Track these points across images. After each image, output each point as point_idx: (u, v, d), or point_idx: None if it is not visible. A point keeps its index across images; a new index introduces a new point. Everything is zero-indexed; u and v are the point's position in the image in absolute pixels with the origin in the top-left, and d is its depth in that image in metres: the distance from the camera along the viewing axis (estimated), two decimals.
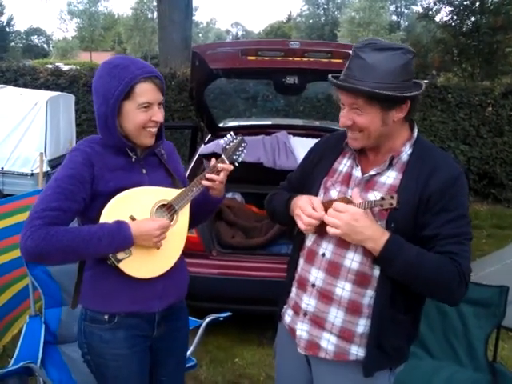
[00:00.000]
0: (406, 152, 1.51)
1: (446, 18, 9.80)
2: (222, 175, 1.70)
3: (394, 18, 40.22)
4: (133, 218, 1.58)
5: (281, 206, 1.70)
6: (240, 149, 1.78)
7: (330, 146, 1.69)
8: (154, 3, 21.94)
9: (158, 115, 1.60)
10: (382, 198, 1.37)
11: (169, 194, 1.68)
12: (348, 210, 1.38)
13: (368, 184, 1.51)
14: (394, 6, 40.04)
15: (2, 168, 5.89)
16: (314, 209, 1.49)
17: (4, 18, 40.07)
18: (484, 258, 4.75)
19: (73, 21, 45.74)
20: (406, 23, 38.69)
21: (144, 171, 1.68)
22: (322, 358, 1.55)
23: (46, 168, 5.68)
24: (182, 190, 1.69)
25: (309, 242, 1.62)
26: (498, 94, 7.46)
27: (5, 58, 24.23)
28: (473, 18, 9.37)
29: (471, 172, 7.46)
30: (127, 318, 1.65)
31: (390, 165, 1.50)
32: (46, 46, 51.80)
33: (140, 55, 33.51)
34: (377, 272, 1.48)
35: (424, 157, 1.48)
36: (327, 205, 1.49)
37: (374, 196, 1.47)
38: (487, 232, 6.32)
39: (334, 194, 1.57)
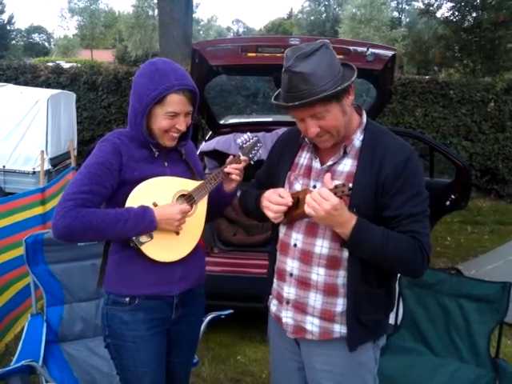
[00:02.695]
0: (358, 138, 1.59)
1: (447, 14, 9.79)
2: (242, 165, 1.82)
3: (396, 14, 40.04)
4: (155, 205, 1.70)
5: (252, 205, 1.78)
6: (256, 148, 1.90)
7: (289, 140, 1.78)
8: (155, 0, 21.93)
9: (182, 124, 1.70)
10: (336, 187, 1.42)
11: (189, 184, 1.79)
12: (330, 200, 1.40)
13: (327, 173, 1.55)
14: (395, 2, 39.89)
15: (4, 166, 5.90)
16: (280, 197, 1.57)
17: (5, 16, 40.00)
18: (487, 255, 4.75)
19: (73, 18, 45.55)
20: (408, 19, 38.52)
21: (166, 164, 1.79)
22: (309, 339, 1.64)
23: (47, 166, 5.69)
24: (201, 182, 1.81)
25: (281, 234, 1.71)
26: (500, 90, 7.44)
27: (6, 56, 24.25)
28: (474, 14, 9.35)
29: (473, 168, 7.44)
30: (147, 300, 1.74)
31: (345, 153, 1.58)
32: (46, 43, 51.62)
33: (141, 53, 33.44)
34: (346, 254, 1.56)
35: (375, 142, 1.56)
36: (293, 196, 1.57)
37: (334, 183, 1.52)
38: (490, 228, 6.32)
39: (297, 187, 1.65)
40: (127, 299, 1.73)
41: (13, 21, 41.16)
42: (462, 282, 2.59)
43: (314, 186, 1.61)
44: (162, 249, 1.71)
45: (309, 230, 1.60)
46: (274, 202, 1.58)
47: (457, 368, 2.44)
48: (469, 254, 5.17)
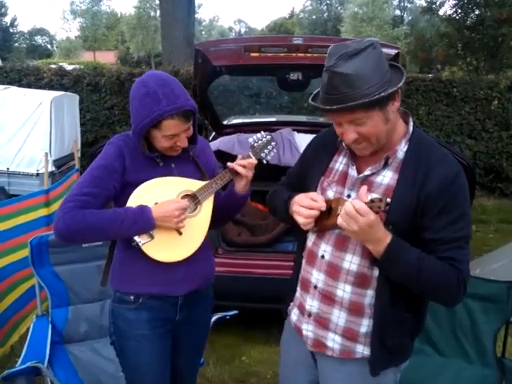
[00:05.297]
0: (402, 149, 1.47)
1: (449, 12, 9.74)
2: (248, 161, 1.77)
3: (398, 12, 39.96)
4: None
5: (281, 207, 1.67)
6: (269, 147, 1.86)
7: (325, 142, 1.65)
8: (157, 1, 21.91)
9: (183, 142, 1.70)
10: (372, 201, 1.31)
11: (193, 184, 1.76)
12: (368, 216, 1.30)
13: (364, 184, 1.45)
14: (397, 0, 39.88)
15: (8, 168, 5.91)
16: (313, 200, 1.47)
17: (7, 19, 40.25)
18: (491, 253, 4.73)
19: (76, 20, 45.67)
20: (410, 17, 38.43)
21: (173, 165, 1.78)
22: (328, 355, 1.56)
23: (51, 168, 5.69)
24: (207, 182, 1.77)
25: (309, 242, 1.61)
26: (504, 88, 7.41)
27: (9, 58, 24.32)
28: (477, 11, 9.30)
29: (477, 166, 7.41)
30: (151, 299, 1.75)
31: (386, 164, 1.46)
32: (49, 46, 51.74)
33: (143, 54, 33.49)
34: (376, 272, 1.46)
35: (420, 155, 1.44)
36: (326, 203, 1.46)
37: (370, 197, 1.42)
38: (494, 227, 6.29)
39: (330, 194, 1.55)
40: (132, 297, 1.75)
41: (15, 23, 41.41)
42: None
43: (349, 196, 1.50)
44: (164, 249, 1.70)
45: (339, 243, 1.50)
46: (306, 205, 1.47)
47: (462, 368, 2.42)
48: (474, 253, 5.14)
